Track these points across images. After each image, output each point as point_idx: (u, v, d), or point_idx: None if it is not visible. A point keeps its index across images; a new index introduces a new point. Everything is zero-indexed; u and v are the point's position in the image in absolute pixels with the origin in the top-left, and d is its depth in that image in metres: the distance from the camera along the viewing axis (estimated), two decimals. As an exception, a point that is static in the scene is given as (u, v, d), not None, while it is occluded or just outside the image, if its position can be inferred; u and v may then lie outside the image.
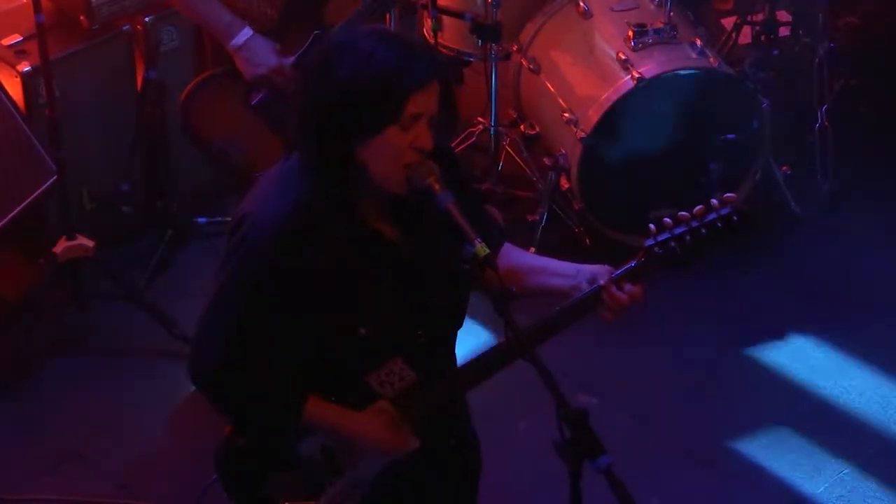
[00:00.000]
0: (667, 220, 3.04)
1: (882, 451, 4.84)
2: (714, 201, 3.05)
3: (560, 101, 5.62)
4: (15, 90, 5.16)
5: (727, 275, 5.56)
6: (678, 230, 3.03)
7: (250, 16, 4.53)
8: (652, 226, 3.04)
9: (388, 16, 5.77)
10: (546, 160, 5.70)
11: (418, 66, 2.84)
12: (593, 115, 5.41)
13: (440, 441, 3.19)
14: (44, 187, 5.10)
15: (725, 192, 3.09)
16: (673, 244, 3.02)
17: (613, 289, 3.04)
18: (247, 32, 4.46)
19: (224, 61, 4.56)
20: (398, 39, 2.88)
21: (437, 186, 2.90)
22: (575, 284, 3.10)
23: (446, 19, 5.85)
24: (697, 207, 3.04)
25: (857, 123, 6.18)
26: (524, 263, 3.22)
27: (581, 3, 5.70)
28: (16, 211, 5.03)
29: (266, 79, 4.49)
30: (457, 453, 3.28)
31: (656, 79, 5.38)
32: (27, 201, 5.06)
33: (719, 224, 3.03)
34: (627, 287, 3.05)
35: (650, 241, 3.04)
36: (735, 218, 3.03)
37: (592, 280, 3.08)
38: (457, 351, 3.21)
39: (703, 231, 3.02)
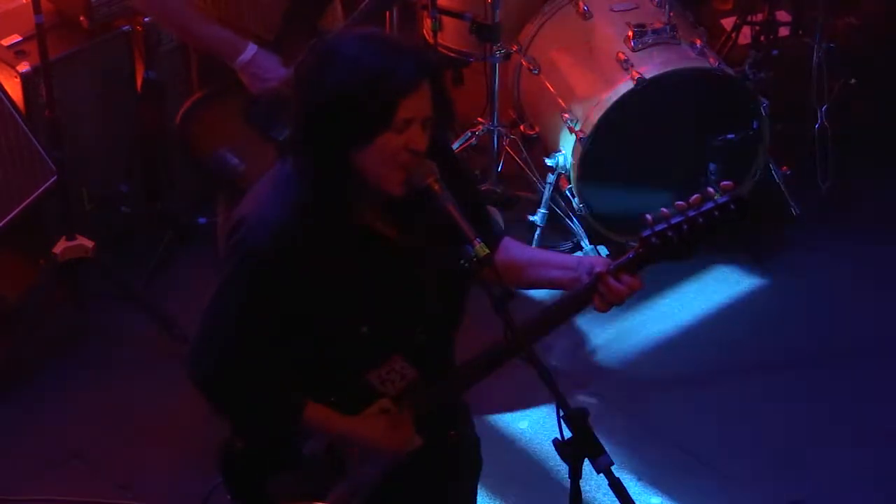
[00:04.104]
0: (664, 210, 3.01)
1: (883, 447, 4.84)
2: (711, 190, 2.98)
3: (560, 101, 5.62)
4: (15, 90, 5.16)
5: (727, 274, 5.56)
6: (675, 220, 2.97)
7: (252, 30, 4.48)
8: (648, 216, 3.00)
9: (388, 14, 5.76)
10: (546, 160, 5.70)
11: (404, 69, 2.82)
12: (593, 116, 5.41)
13: (442, 436, 3.19)
14: (44, 187, 5.10)
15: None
16: (670, 234, 2.97)
17: (611, 280, 3.02)
18: (252, 48, 4.41)
19: (211, 80, 4.50)
20: (384, 42, 2.86)
21: (436, 186, 2.90)
22: (576, 276, 3.08)
23: (446, 19, 5.85)
24: (694, 196, 2.98)
25: (857, 123, 6.18)
26: (525, 257, 3.22)
27: (581, 4, 5.70)
28: (16, 211, 5.03)
29: (276, 91, 4.42)
30: (459, 447, 3.29)
31: (656, 79, 5.38)
32: (27, 201, 5.06)
33: (716, 213, 2.97)
34: (625, 278, 3.02)
35: (647, 232, 2.99)
36: (733, 206, 2.97)
37: (592, 272, 3.05)
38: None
39: (701, 220, 2.96)
